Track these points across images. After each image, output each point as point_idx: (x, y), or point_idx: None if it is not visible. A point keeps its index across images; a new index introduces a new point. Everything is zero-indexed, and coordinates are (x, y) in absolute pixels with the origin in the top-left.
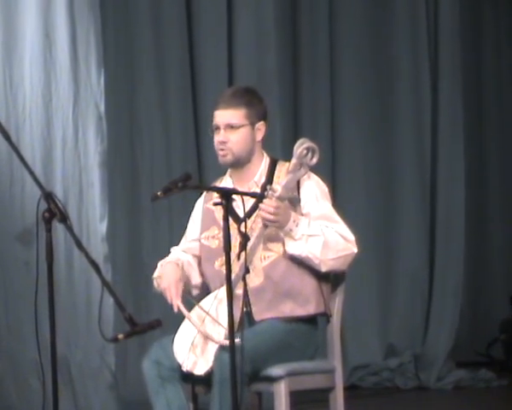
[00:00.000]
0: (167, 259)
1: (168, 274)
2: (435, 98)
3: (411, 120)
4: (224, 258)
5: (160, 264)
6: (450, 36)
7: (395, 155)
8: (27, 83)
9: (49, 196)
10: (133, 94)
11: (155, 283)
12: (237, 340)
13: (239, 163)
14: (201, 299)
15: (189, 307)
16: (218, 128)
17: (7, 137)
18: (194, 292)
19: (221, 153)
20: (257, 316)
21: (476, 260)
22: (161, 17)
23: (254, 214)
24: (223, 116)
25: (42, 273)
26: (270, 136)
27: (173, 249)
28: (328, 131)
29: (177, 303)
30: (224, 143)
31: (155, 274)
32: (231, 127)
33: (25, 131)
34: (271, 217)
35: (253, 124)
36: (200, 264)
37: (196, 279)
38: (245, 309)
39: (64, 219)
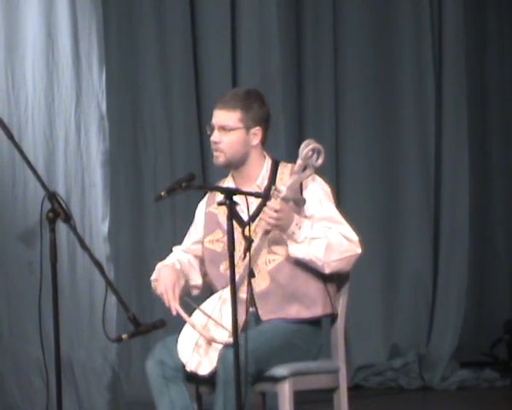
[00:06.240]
0: (165, 261)
1: (164, 278)
2: (439, 100)
3: (415, 122)
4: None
5: (157, 266)
6: (455, 37)
7: (399, 156)
8: (29, 83)
9: (53, 196)
10: (136, 93)
11: (153, 285)
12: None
13: (232, 166)
14: (202, 300)
15: (189, 309)
16: (213, 128)
17: (10, 136)
18: (194, 292)
19: (215, 154)
20: (264, 317)
21: (480, 260)
22: (164, 16)
23: (258, 217)
24: (218, 117)
25: (45, 273)
26: (273, 137)
27: (175, 248)
28: (332, 131)
29: (175, 306)
30: (216, 143)
31: (153, 276)
32: (224, 129)
33: (27, 132)
34: (274, 220)
35: (247, 128)
36: (201, 264)
37: (196, 280)
38: (251, 309)
39: (68, 219)
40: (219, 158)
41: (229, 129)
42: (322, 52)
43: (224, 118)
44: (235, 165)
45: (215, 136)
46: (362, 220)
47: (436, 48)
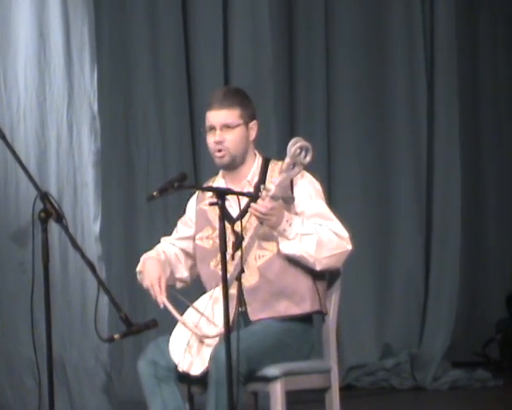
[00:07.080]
0: (149, 252)
1: (149, 271)
2: (431, 100)
3: (407, 122)
4: (218, 258)
5: (142, 258)
6: (447, 38)
7: (391, 156)
8: (21, 83)
9: (45, 196)
10: (128, 93)
11: (139, 277)
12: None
13: (235, 163)
14: (188, 294)
15: (177, 303)
16: (213, 129)
17: (2, 136)
18: (179, 285)
19: (218, 154)
20: (252, 316)
21: (472, 260)
22: (157, 17)
23: (248, 214)
24: (218, 116)
25: (37, 273)
26: (265, 136)
27: (163, 239)
28: (324, 131)
29: (162, 300)
30: (220, 142)
31: (138, 268)
32: (227, 127)
33: (19, 131)
34: (262, 217)
35: (246, 123)
36: (187, 258)
37: (182, 273)
38: (240, 309)
39: (60, 219)
40: (224, 157)
41: (232, 126)
42: (314, 52)
43: (226, 116)
44: (238, 162)
45: (218, 135)
46: (354, 221)
47: (428, 48)
